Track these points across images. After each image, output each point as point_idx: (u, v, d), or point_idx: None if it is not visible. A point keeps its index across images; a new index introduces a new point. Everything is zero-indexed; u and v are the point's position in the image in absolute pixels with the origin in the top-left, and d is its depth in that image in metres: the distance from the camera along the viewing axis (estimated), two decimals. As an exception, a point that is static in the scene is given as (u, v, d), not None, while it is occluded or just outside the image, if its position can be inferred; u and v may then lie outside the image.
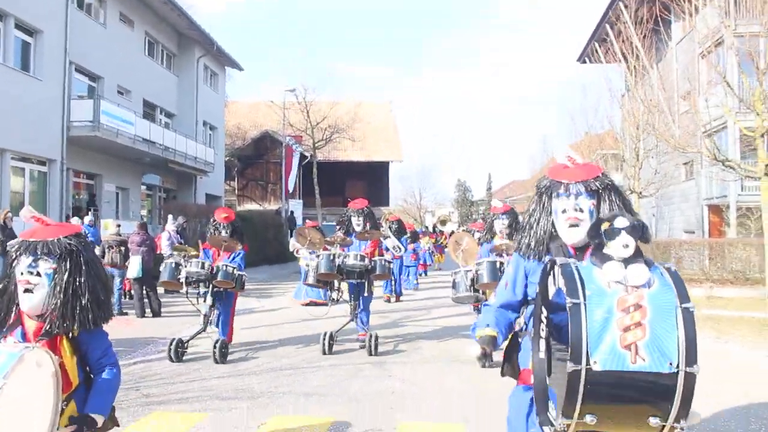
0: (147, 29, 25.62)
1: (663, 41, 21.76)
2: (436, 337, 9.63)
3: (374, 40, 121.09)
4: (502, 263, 7.02)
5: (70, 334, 2.87)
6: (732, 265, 16.21)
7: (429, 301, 14.57)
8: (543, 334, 2.53)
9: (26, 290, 2.81)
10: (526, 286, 3.05)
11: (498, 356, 3.29)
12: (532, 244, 3.00)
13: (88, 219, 14.94)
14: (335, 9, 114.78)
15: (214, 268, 7.91)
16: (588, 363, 2.18)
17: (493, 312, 3.07)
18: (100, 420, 2.84)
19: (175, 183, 28.23)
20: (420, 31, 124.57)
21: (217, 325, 8.17)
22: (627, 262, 2.36)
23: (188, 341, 7.89)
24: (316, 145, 36.54)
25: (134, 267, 12.05)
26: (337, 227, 9.14)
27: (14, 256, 2.88)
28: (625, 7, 21.83)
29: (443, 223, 33.43)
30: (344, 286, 8.78)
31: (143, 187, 26.09)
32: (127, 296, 13.29)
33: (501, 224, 7.70)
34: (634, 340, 2.19)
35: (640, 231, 2.43)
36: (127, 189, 24.08)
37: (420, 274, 20.64)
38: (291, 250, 13.56)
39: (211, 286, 7.95)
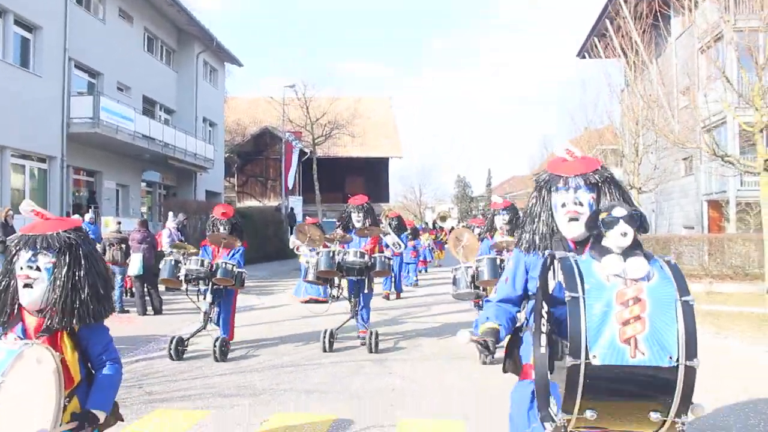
0: (146, 25, 25.59)
1: (662, 36, 21.75)
2: (436, 334, 9.66)
3: (374, 40, 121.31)
4: (502, 260, 7.01)
5: (71, 330, 2.85)
6: (731, 260, 16.25)
7: (429, 298, 14.60)
8: (544, 329, 2.51)
9: (26, 285, 2.79)
10: (526, 281, 3.03)
11: (499, 353, 3.25)
12: (533, 239, 2.98)
13: (88, 216, 14.96)
14: (335, 9, 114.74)
15: (214, 266, 7.91)
16: (587, 357, 2.16)
17: (494, 307, 3.06)
18: (101, 416, 2.81)
19: (174, 180, 28.24)
20: (420, 31, 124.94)
21: (217, 323, 8.18)
22: (626, 255, 2.34)
23: (188, 339, 7.90)
24: (316, 141, 36.52)
25: (135, 264, 12.06)
26: (338, 224, 9.15)
27: (14, 252, 2.85)
28: (625, 2, 21.83)
29: (443, 219, 33.37)
30: (344, 283, 8.79)
31: (143, 184, 26.10)
32: (129, 294, 13.33)
33: (501, 220, 7.70)
34: (633, 334, 2.17)
35: (638, 220, 2.41)
36: (127, 186, 24.08)
37: (420, 271, 20.65)
38: (291, 247, 13.58)
39: (210, 283, 7.96)
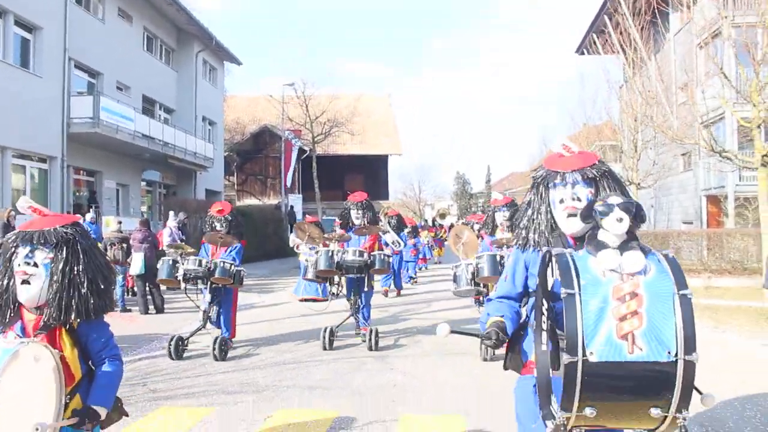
0: (145, 24, 25.61)
1: (660, 33, 21.80)
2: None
3: (374, 39, 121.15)
4: (502, 256, 7.04)
5: (70, 326, 2.83)
6: (730, 255, 16.32)
7: (429, 295, 14.66)
8: (545, 325, 2.49)
9: (24, 281, 2.77)
10: (526, 277, 3.00)
11: (499, 350, 3.23)
12: (531, 236, 2.94)
13: (90, 216, 15.02)
14: (335, 9, 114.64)
15: (212, 265, 7.93)
16: (584, 354, 2.14)
17: (495, 303, 3.05)
18: (102, 412, 2.78)
19: (174, 179, 28.28)
20: (420, 31, 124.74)
21: (217, 322, 8.16)
22: (622, 249, 2.31)
23: (188, 338, 7.93)
24: (316, 139, 36.54)
25: (137, 264, 12.13)
26: (338, 221, 9.18)
27: (12, 249, 2.84)
28: (623, -2, 21.86)
29: (442, 216, 33.44)
30: (344, 280, 8.81)
31: (143, 183, 26.14)
32: (130, 293, 13.39)
33: (502, 216, 7.73)
34: (630, 330, 2.15)
35: (633, 208, 2.39)
36: (128, 185, 24.13)
37: (420, 268, 20.70)
38: (291, 245, 13.63)
39: (209, 282, 7.97)
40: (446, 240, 28.36)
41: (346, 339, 8.74)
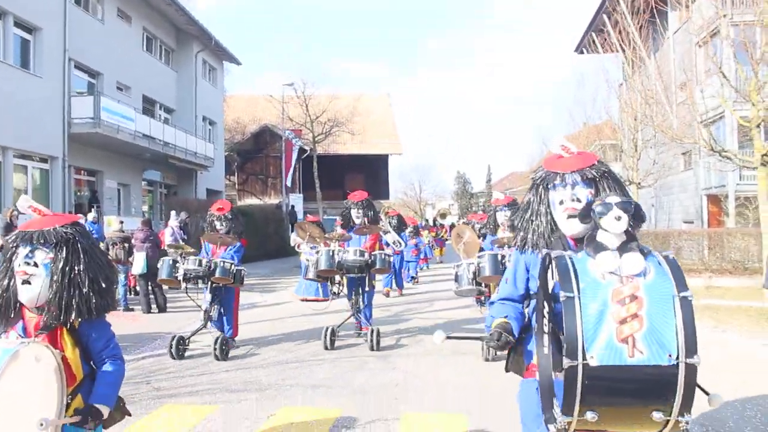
0: (145, 24, 25.63)
1: (659, 32, 21.83)
2: (438, 329, 9.72)
3: (369, 39, 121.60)
4: (503, 256, 7.06)
5: (71, 326, 2.82)
6: (731, 254, 16.32)
7: (431, 294, 14.70)
8: (546, 328, 2.46)
9: (24, 281, 2.77)
10: (527, 279, 2.96)
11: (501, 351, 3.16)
12: (530, 237, 2.92)
13: (91, 216, 15.05)
14: (330, 9, 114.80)
15: (212, 264, 7.94)
16: (584, 358, 2.13)
17: (498, 305, 3.02)
18: (105, 411, 2.78)
19: (175, 178, 28.32)
20: (415, 31, 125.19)
21: (218, 322, 8.16)
22: (621, 250, 2.29)
23: (189, 338, 7.95)
24: (316, 138, 36.58)
25: (139, 263, 12.17)
26: (339, 221, 9.18)
27: (12, 249, 2.83)
28: (622, -4, 21.90)
29: (443, 216, 33.56)
30: (345, 280, 8.80)
31: (144, 183, 26.17)
32: (133, 292, 13.44)
33: (504, 216, 7.74)
34: (631, 333, 2.13)
35: (632, 207, 2.37)
36: (128, 185, 24.16)
37: (421, 268, 20.73)
38: (292, 244, 13.66)
39: (209, 282, 7.99)
40: (447, 240, 28.44)
41: (348, 339, 8.75)
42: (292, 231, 18.15)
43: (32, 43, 18.40)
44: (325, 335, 8.19)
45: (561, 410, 2.23)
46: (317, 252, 8.59)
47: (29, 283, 2.77)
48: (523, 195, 3.17)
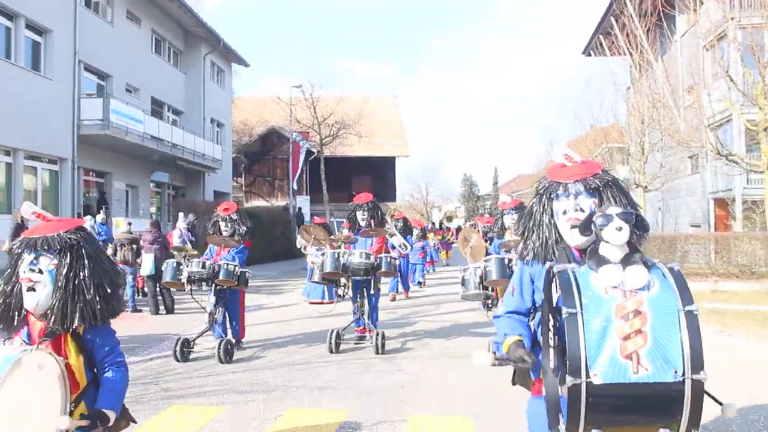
0: (154, 27, 25.81)
1: (666, 35, 21.79)
2: (444, 332, 9.77)
3: (374, 39, 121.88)
4: (510, 260, 7.06)
5: (75, 333, 2.81)
6: (738, 259, 16.23)
7: (437, 297, 14.71)
8: (552, 342, 2.42)
9: (29, 288, 2.76)
10: (533, 292, 2.90)
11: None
12: (535, 248, 2.86)
13: (100, 217, 15.17)
14: (335, 9, 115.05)
15: (216, 267, 7.96)
16: (588, 376, 2.09)
17: (506, 319, 2.93)
18: (112, 416, 2.75)
19: (183, 180, 28.46)
20: (420, 31, 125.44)
21: (222, 325, 8.13)
22: (624, 263, 2.25)
23: (194, 340, 7.96)
24: (323, 141, 36.67)
25: (147, 265, 12.25)
26: (345, 224, 9.19)
27: (17, 255, 2.84)
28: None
29: (449, 219, 33.48)
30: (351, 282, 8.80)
31: (152, 185, 26.35)
32: (141, 294, 13.52)
33: (511, 219, 7.75)
34: (635, 349, 2.09)
35: (633, 218, 2.34)
36: (137, 187, 24.32)
37: (427, 271, 20.73)
38: (298, 246, 13.71)
39: (213, 284, 8.02)
40: (453, 243, 28.43)
41: (353, 342, 8.77)
42: (299, 233, 18.22)
43: (43, 45, 18.58)
44: (331, 338, 8.16)
45: (566, 428, 2.21)
46: (323, 254, 8.60)
47: (34, 290, 2.76)
48: (530, 200, 3.16)
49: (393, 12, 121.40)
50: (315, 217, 21.51)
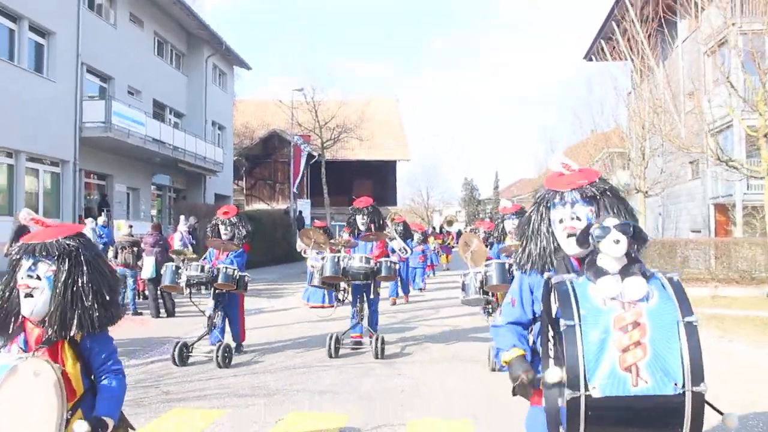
0: (156, 29, 25.87)
1: (667, 41, 21.84)
2: (444, 337, 9.78)
3: (374, 39, 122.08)
4: (511, 264, 7.05)
5: (72, 340, 2.76)
6: (738, 264, 16.23)
7: (437, 302, 14.71)
8: (551, 353, 2.38)
9: (27, 295, 2.72)
10: (533, 302, 2.85)
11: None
12: (533, 258, 2.82)
13: (101, 220, 15.18)
14: (335, 9, 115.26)
15: (215, 270, 7.94)
16: (587, 389, 2.06)
17: (506, 330, 2.87)
18: (110, 424, 2.70)
19: (184, 183, 28.50)
20: (420, 31, 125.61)
21: (221, 329, 8.12)
22: (623, 274, 2.23)
23: (193, 345, 7.94)
24: (325, 144, 36.71)
25: (148, 268, 12.26)
26: (346, 228, 9.19)
27: (15, 261, 2.79)
28: (631, 5, 21.93)
29: (450, 223, 33.48)
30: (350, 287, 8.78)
31: (153, 187, 26.36)
32: (141, 297, 13.54)
33: (512, 224, 7.73)
34: (634, 361, 2.06)
35: (631, 230, 2.31)
36: (138, 189, 24.35)
37: (428, 275, 20.72)
38: (298, 250, 13.72)
39: (212, 288, 8.01)
40: (453, 247, 28.45)
41: (350, 346, 8.78)
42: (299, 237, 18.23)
43: (46, 48, 18.63)
44: (330, 343, 8.14)
45: None
46: (323, 258, 8.58)
47: (31, 296, 2.72)
48: (528, 208, 3.14)
49: (393, 12, 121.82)
50: (316, 220, 21.49)
